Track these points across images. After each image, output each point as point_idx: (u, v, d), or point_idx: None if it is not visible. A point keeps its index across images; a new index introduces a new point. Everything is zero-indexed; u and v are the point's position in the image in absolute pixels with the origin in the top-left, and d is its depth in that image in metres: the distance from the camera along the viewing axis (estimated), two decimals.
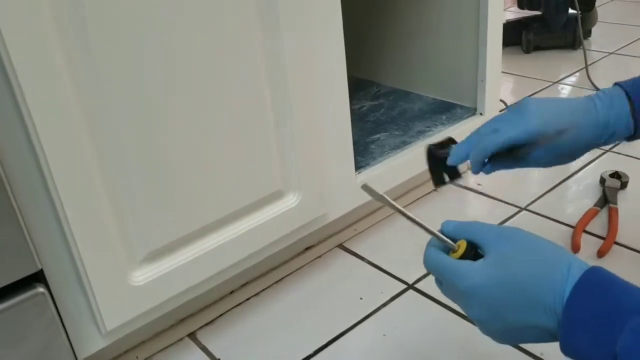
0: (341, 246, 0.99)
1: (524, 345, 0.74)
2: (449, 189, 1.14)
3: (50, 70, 0.54)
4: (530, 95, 1.53)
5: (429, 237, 0.54)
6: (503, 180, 1.15)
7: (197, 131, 0.67)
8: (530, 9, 1.87)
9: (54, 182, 0.57)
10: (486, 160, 0.66)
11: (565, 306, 0.43)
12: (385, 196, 0.54)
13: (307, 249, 0.96)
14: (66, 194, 0.58)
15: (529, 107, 0.62)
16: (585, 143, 0.64)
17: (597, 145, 0.65)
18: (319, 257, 0.97)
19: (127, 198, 0.64)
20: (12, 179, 0.56)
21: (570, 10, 1.80)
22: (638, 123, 0.63)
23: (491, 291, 0.47)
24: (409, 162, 0.99)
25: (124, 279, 0.66)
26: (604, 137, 0.64)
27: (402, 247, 0.98)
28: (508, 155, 0.65)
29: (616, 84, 0.65)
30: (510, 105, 0.60)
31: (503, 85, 1.62)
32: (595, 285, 0.44)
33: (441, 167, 0.70)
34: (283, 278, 0.92)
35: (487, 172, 0.67)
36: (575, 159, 0.66)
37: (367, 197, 0.86)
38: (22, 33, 0.52)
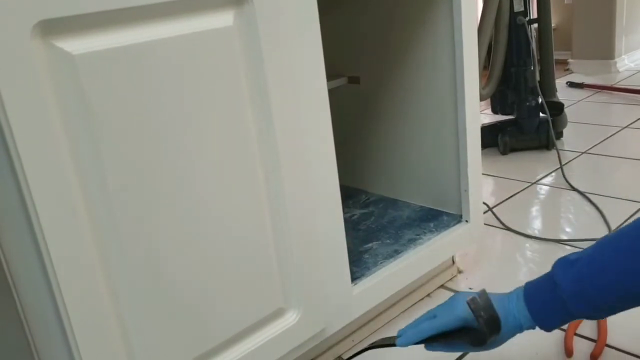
0: (340, 359, 1.00)
1: None
2: (441, 293, 1.16)
3: (65, 198, 0.58)
4: (511, 196, 1.61)
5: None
6: (493, 282, 1.18)
7: (205, 255, 0.71)
8: (503, 114, 1.99)
9: (68, 314, 0.59)
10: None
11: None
12: None
13: None
14: (80, 334, 0.60)
15: (459, 298, 0.80)
16: (504, 332, 0.78)
17: (515, 332, 0.80)
18: None
19: (136, 324, 0.65)
20: (26, 308, 0.58)
21: (542, 114, 1.93)
22: (535, 319, 0.78)
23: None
24: (402, 271, 1.02)
25: None
26: (516, 328, 0.79)
27: (400, 358, 0.99)
28: (445, 340, 0.81)
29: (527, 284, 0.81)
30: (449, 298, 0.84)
31: (483, 187, 1.69)
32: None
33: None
34: None
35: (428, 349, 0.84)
36: (499, 345, 0.81)
37: (364, 308, 0.90)
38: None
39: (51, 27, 0.54)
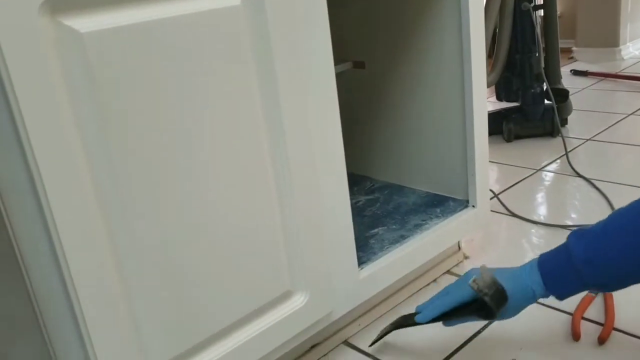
0: (346, 342, 1.00)
1: None
2: (447, 279, 1.16)
3: (73, 175, 0.58)
4: (517, 182, 1.60)
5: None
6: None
7: (212, 236, 0.71)
8: (508, 101, 1.98)
9: (77, 294, 0.59)
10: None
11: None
12: None
13: (313, 347, 0.97)
14: (89, 314, 0.60)
15: (471, 274, 0.84)
16: (515, 303, 0.82)
17: (529, 302, 0.83)
18: (325, 355, 0.97)
19: (144, 305, 0.65)
20: (38, 295, 0.58)
21: (547, 101, 1.92)
22: (548, 287, 0.80)
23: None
24: (408, 256, 1.02)
25: None
26: (530, 298, 0.82)
27: (407, 341, 0.99)
28: (460, 315, 0.85)
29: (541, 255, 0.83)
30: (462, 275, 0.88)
31: (489, 173, 1.69)
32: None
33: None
34: None
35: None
36: (514, 314, 0.85)
37: (370, 292, 0.91)
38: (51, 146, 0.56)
39: (59, 5, 0.54)
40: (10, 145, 0.55)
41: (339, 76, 0.84)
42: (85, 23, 0.56)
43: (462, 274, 1.18)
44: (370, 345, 0.96)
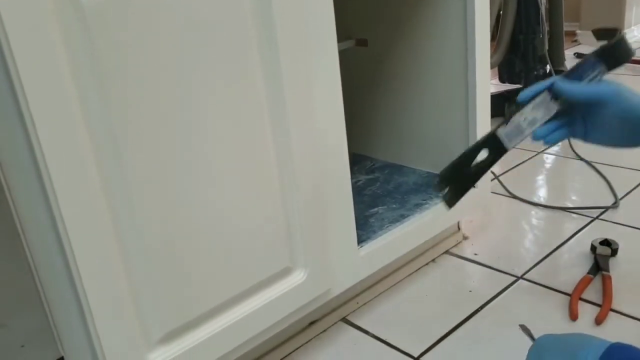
0: (345, 320, 1.01)
1: None
2: (446, 259, 1.17)
3: (78, 160, 0.57)
4: (518, 164, 1.60)
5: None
6: (498, 249, 1.19)
7: (213, 211, 0.70)
8: (511, 82, 1.97)
9: (77, 265, 0.59)
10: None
11: None
12: None
13: (312, 323, 0.97)
14: (90, 285, 0.60)
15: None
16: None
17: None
18: (324, 331, 0.98)
19: (145, 279, 0.65)
20: (38, 267, 0.58)
21: None
22: None
23: None
24: (408, 234, 1.02)
25: None
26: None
27: (405, 320, 1.00)
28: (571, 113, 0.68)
29: None
30: None
31: None
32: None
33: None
34: (289, 354, 0.93)
35: (548, 142, 0.69)
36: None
37: (369, 270, 0.89)
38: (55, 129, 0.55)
39: None
40: (12, 121, 0.55)
41: (341, 54, 0.83)
42: None
43: (461, 254, 1.19)
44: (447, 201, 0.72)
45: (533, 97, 0.68)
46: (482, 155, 0.71)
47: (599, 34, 0.71)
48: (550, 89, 0.67)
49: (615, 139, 0.69)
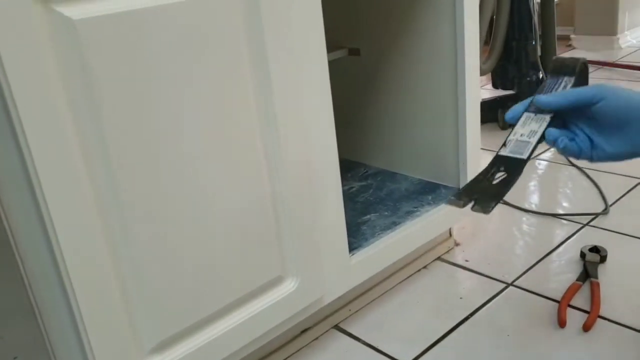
0: (337, 327, 1.02)
1: None
2: (438, 266, 1.18)
3: (71, 175, 0.59)
4: None
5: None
6: (489, 255, 1.20)
7: (204, 220, 0.72)
8: (504, 89, 1.99)
9: (69, 276, 0.60)
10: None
11: None
12: None
13: (303, 331, 0.98)
14: (82, 296, 0.61)
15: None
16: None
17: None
18: (315, 339, 0.99)
19: (138, 289, 0.67)
20: (31, 278, 0.59)
21: None
22: None
23: None
24: (399, 242, 1.03)
25: None
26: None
27: (397, 327, 1.01)
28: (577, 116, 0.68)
29: None
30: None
31: (482, 161, 1.70)
32: None
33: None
34: None
35: (559, 147, 0.68)
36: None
37: (361, 278, 0.89)
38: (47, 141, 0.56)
39: None
40: (4, 135, 0.56)
41: (334, 63, 0.85)
42: (77, 10, 0.56)
43: (453, 261, 1.20)
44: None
45: (519, 117, 0.69)
46: (500, 174, 0.68)
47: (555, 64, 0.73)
48: (531, 105, 0.68)
49: (618, 140, 0.66)
